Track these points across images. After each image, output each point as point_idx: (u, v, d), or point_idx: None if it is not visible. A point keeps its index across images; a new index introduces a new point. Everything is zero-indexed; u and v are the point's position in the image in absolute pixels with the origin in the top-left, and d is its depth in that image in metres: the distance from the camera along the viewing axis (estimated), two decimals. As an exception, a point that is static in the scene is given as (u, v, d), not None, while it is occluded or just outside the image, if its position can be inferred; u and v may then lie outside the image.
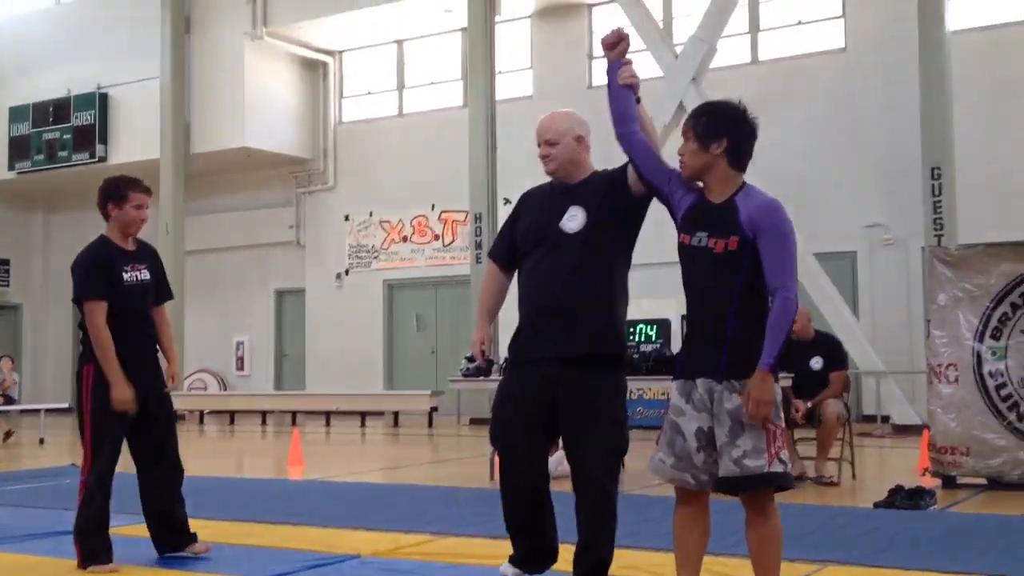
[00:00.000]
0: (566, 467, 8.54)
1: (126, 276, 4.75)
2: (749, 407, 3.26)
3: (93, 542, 4.63)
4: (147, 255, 4.94)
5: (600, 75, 16.94)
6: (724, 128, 3.39)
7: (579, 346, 3.83)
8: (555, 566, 4.10)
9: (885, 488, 6.55)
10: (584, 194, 3.95)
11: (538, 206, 4.06)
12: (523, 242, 4.03)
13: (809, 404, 7.63)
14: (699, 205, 3.47)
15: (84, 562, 4.62)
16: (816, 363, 7.82)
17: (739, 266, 3.34)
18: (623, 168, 3.90)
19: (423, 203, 17.89)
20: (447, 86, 18.38)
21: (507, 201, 15.74)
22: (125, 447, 4.81)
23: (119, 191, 4.79)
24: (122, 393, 4.60)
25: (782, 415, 3.37)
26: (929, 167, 12.51)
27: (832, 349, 8.05)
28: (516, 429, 3.97)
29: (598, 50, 17.17)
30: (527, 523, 4.02)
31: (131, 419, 4.70)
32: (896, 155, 14.31)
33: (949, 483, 7.16)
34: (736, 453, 3.30)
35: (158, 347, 4.98)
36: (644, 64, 15.69)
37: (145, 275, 4.84)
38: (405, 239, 18.33)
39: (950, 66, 12.71)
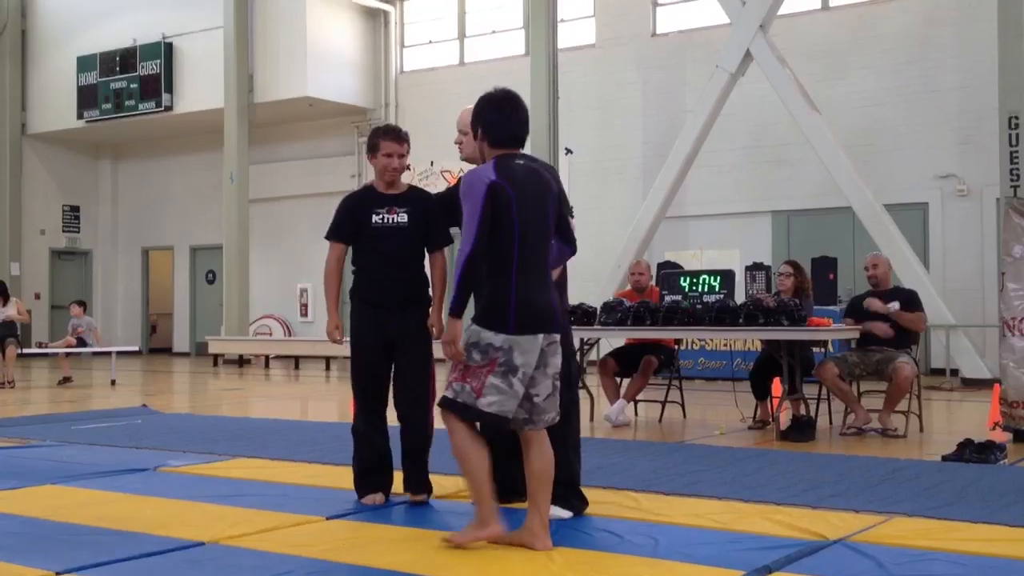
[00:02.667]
0: (625, 417, 8.57)
1: (375, 219, 4.88)
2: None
3: (359, 474, 4.95)
4: (413, 201, 4.93)
5: (665, 22, 16.67)
6: (475, 119, 4.13)
7: None
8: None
9: (954, 442, 6.44)
10: None
11: None
12: None
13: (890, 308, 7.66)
14: None
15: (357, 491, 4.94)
16: (893, 307, 7.71)
17: None
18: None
19: (484, 153, 17.80)
20: (509, 35, 18.21)
21: (568, 151, 15.62)
22: None
23: (372, 143, 4.97)
24: (328, 324, 5.03)
25: (476, 357, 3.90)
26: (1006, 116, 12.11)
27: (909, 296, 7.94)
28: None
29: (663, -4, 16.91)
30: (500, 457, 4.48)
31: (381, 358, 4.92)
32: (971, 104, 13.90)
33: (1020, 437, 7.01)
34: None
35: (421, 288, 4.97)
36: (710, 11, 15.40)
37: (401, 218, 4.88)
38: (466, 189, 18.30)
39: (1030, 11, 12.24)
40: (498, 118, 4.09)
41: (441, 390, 4.11)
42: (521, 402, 3.91)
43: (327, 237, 4.99)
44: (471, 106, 4.59)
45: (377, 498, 4.89)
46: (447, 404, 3.97)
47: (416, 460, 4.91)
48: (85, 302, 15.49)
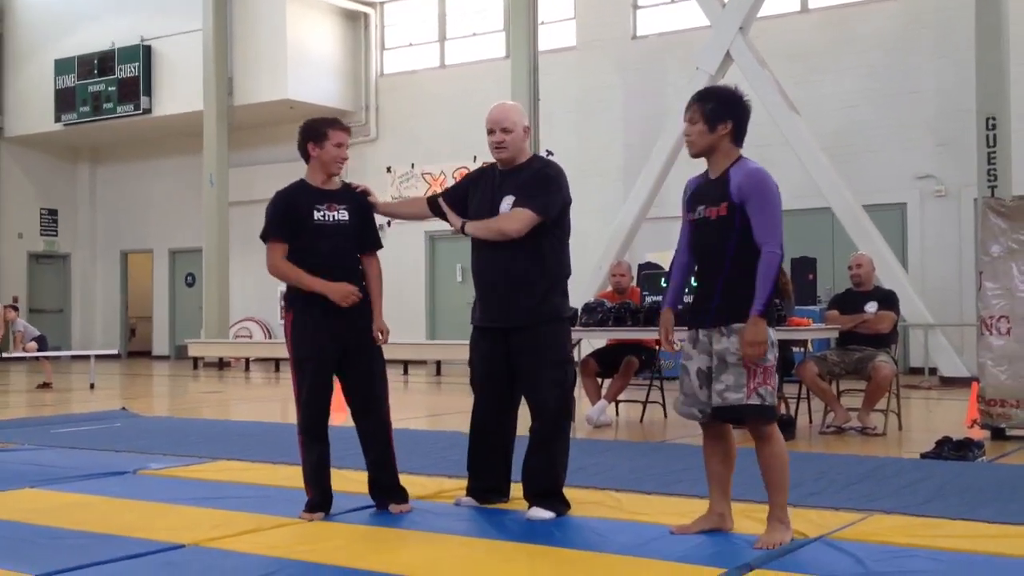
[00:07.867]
0: (606, 417, 8.59)
1: (317, 215, 4.59)
2: (743, 348, 3.84)
3: (309, 488, 4.60)
4: (350, 198, 4.70)
5: (646, 24, 16.72)
6: (729, 112, 3.99)
7: (515, 319, 4.58)
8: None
9: (932, 439, 6.49)
10: (518, 183, 4.65)
11: (483, 189, 4.76)
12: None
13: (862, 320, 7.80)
14: (700, 186, 4.10)
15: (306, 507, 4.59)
16: (871, 307, 7.83)
17: (731, 228, 3.90)
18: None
19: (465, 155, 17.78)
20: (489, 37, 18.22)
21: (549, 152, 15.63)
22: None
23: (318, 130, 4.64)
24: (335, 291, 4.48)
25: (770, 357, 3.88)
26: (984, 117, 12.23)
27: (887, 296, 8.04)
28: (483, 379, 4.72)
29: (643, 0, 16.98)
30: (486, 459, 4.75)
31: (334, 367, 4.58)
32: (949, 105, 14.01)
33: (998, 435, 7.08)
34: (719, 387, 3.88)
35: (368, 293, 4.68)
36: (690, 14, 15.46)
37: (343, 216, 4.62)
38: (447, 191, 18.28)
39: (1007, 13, 12.37)
40: (749, 117, 4.07)
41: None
42: None
43: (265, 238, 4.65)
44: (510, 102, 4.85)
45: (317, 516, 4.53)
46: (760, 411, 3.86)
47: (386, 469, 4.68)
48: (18, 305, 15.15)
